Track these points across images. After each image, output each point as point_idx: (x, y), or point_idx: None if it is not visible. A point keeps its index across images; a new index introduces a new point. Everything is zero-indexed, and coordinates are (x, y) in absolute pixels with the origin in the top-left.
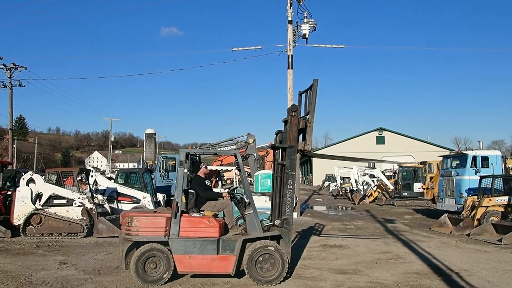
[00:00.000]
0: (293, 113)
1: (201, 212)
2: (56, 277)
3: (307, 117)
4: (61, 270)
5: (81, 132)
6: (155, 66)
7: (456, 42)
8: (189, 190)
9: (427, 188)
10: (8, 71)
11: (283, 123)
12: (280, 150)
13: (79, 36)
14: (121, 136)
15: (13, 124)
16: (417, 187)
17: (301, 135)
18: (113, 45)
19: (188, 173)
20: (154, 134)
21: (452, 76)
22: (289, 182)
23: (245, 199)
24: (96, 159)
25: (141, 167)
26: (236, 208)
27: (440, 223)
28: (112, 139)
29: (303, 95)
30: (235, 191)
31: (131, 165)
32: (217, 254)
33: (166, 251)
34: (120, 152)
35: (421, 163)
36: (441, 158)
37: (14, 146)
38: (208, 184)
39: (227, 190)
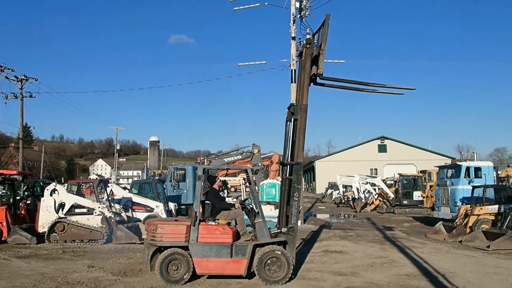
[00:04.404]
0: (308, 46)
1: (216, 221)
2: (88, 278)
3: (320, 46)
4: (91, 272)
5: (85, 139)
6: (161, 73)
7: (458, 53)
8: (206, 201)
9: (427, 197)
10: (20, 83)
11: (298, 57)
12: (288, 166)
13: (86, 46)
14: (124, 144)
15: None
16: (417, 195)
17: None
18: (120, 52)
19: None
20: (158, 142)
21: (454, 84)
22: (295, 195)
23: (255, 209)
24: (100, 167)
25: (145, 174)
26: (247, 217)
27: (435, 230)
28: (118, 148)
29: (316, 35)
30: (246, 202)
31: (135, 173)
32: (231, 257)
33: (186, 254)
34: (124, 159)
35: (421, 171)
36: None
37: (19, 154)
38: (222, 195)
39: (239, 200)
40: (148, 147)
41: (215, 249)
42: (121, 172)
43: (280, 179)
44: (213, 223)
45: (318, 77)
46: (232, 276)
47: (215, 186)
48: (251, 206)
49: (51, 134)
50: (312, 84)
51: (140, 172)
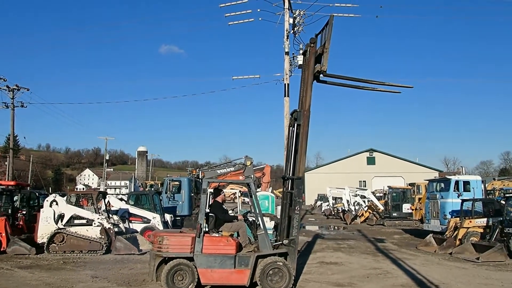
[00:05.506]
0: (312, 44)
1: (220, 232)
2: None
3: (324, 44)
4: (95, 282)
5: (72, 149)
6: (151, 83)
7: (443, 67)
8: (209, 214)
9: (416, 209)
10: (11, 93)
11: (302, 55)
12: (290, 180)
13: (77, 56)
14: (112, 153)
15: (6, 142)
16: (406, 208)
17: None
18: (112, 64)
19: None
20: (146, 152)
21: (440, 96)
22: (296, 208)
23: (257, 221)
24: (87, 177)
25: (133, 185)
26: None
27: (426, 242)
28: (107, 158)
29: (319, 35)
30: (248, 215)
31: (123, 183)
32: (234, 268)
33: (191, 265)
34: (112, 169)
35: (409, 184)
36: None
37: (6, 163)
38: (225, 208)
39: (235, 212)
40: (136, 157)
41: (219, 260)
42: (108, 182)
43: (271, 190)
44: (217, 235)
45: (321, 74)
46: (235, 287)
47: (219, 199)
48: (253, 218)
49: (38, 143)
50: (315, 81)
51: (127, 182)
